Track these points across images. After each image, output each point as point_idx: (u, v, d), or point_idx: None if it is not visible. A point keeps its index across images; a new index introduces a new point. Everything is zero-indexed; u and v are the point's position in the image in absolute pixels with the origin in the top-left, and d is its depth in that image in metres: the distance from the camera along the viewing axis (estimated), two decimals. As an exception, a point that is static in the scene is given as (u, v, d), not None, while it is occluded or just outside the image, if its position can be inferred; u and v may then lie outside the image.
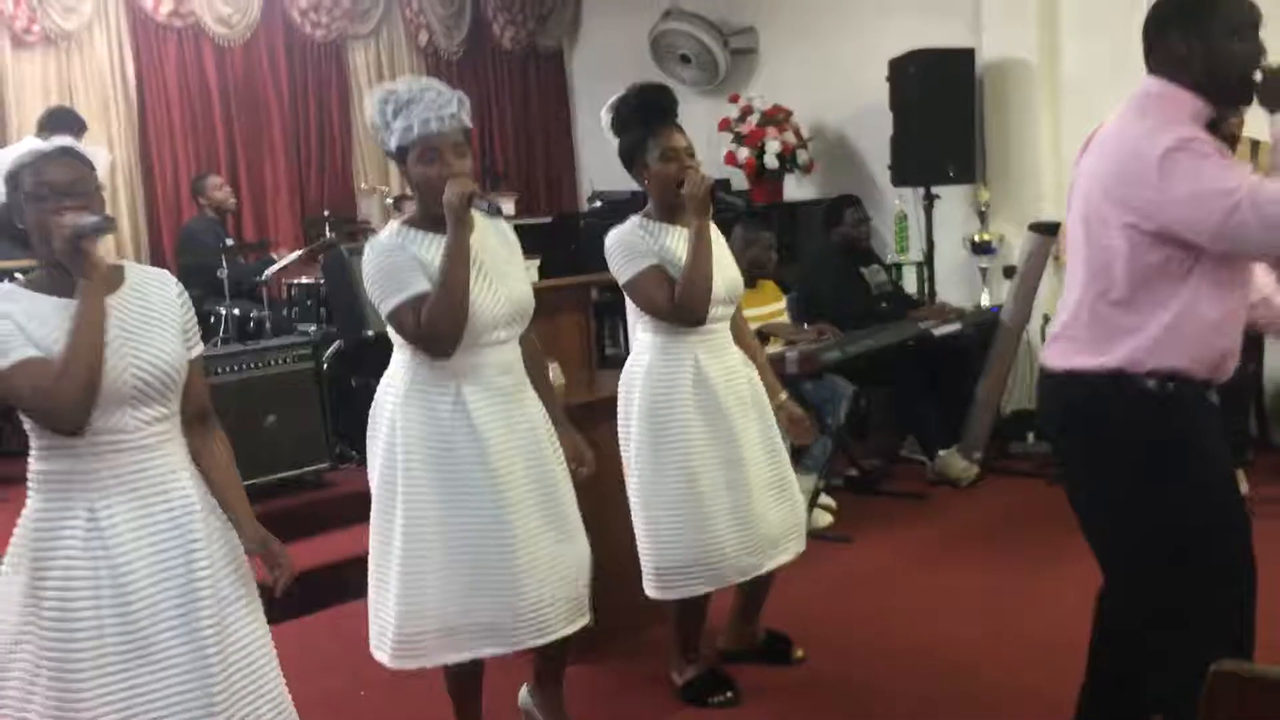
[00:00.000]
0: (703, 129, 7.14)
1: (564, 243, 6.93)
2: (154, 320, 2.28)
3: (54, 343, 2.14)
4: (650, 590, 3.32)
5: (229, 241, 6.65)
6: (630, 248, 3.23)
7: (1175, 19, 2.33)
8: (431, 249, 2.72)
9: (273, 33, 7.59)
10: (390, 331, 2.84)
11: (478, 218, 2.81)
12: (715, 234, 3.37)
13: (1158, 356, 2.31)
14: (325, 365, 5.36)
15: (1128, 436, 2.37)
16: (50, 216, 2.15)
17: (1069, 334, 2.45)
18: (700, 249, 3.17)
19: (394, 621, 2.75)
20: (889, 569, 4.54)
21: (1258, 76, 2.27)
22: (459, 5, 8.48)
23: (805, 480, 4.93)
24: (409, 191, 7.68)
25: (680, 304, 3.17)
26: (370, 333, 5.36)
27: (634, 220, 3.29)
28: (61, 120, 5.97)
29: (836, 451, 5.28)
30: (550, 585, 2.79)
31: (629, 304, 3.36)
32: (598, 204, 7.67)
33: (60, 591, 2.15)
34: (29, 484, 2.24)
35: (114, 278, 2.29)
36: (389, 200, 7.26)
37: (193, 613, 2.22)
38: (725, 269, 3.31)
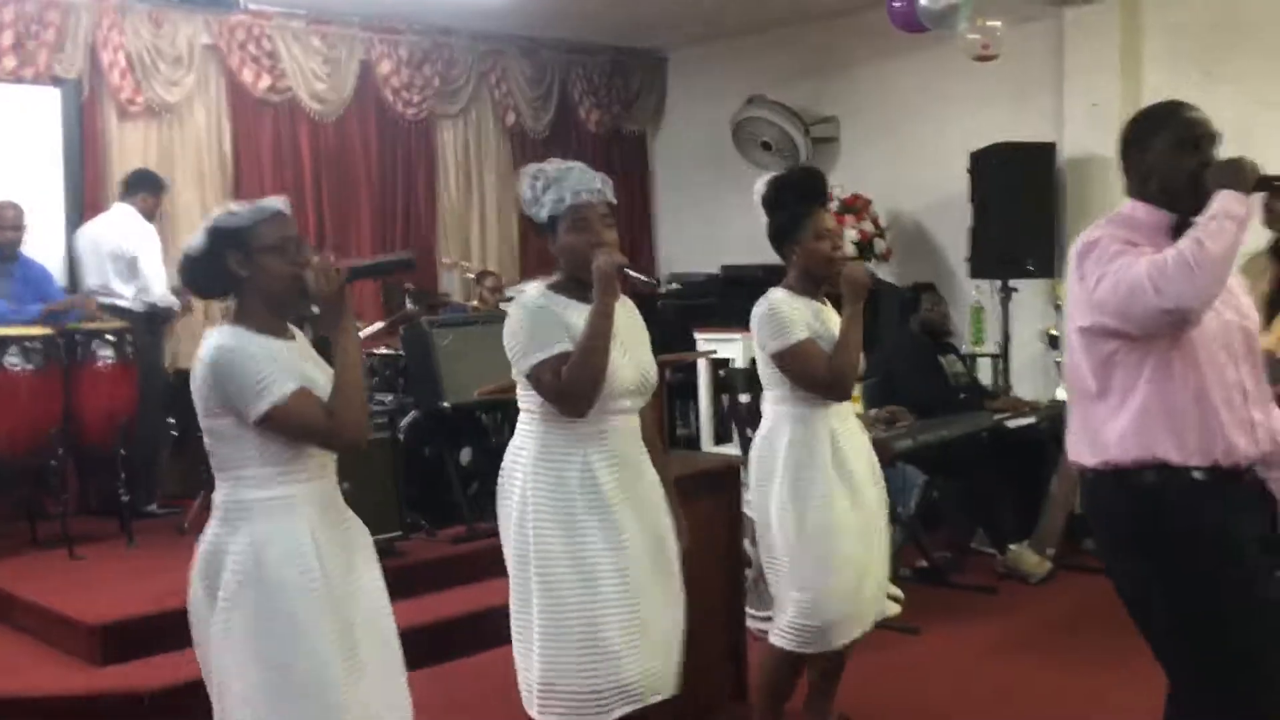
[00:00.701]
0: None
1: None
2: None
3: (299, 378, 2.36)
4: (786, 644, 3.43)
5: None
6: (786, 318, 3.38)
7: (1132, 142, 2.59)
8: (575, 314, 2.82)
9: (365, 109, 7.82)
10: (521, 397, 2.92)
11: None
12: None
13: (1139, 446, 2.41)
14: (401, 435, 5.43)
15: (1129, 531, 2.48)
16: (302, 266, 2.41)
17: (1072, 435, 2.58)
18: (853, 330, 3.38)
19: (538, 681, 2.82)
20: (956, 661, 4.47)
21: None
22: (546, 88, 8.68)
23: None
24: (490, 267, 7.84)
25: (835, 375, 3.35)
26: (446, 404, 5.43)
27: (782, 291, 3.46)
28: (144, 181, 6.20)
29: (906, 541, 5.23)
30: (668, 650, 2.88)
31: (762, 373, 3.49)
32: (674, 285, 7.75)
33: (303, 610, 2.32)
34: (230, 515, 2.37)
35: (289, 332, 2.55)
36: (470, 275, 7.39)
37: (388, 632, 2.52)
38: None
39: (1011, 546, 5.57)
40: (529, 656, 2.85)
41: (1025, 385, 6.66)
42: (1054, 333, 6.54)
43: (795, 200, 3.46)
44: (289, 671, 2.29)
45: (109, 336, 5.56)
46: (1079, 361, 2.50)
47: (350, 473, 4.90)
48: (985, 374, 6.81)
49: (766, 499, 3.43)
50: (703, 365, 6.68)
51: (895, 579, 5.12)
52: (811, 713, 3.69)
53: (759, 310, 3.42)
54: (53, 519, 5.46)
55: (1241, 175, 2.41)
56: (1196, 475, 2.39)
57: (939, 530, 5.99)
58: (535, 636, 2.81)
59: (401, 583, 4.80)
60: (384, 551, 5.00)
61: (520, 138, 8.58)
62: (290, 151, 7.51)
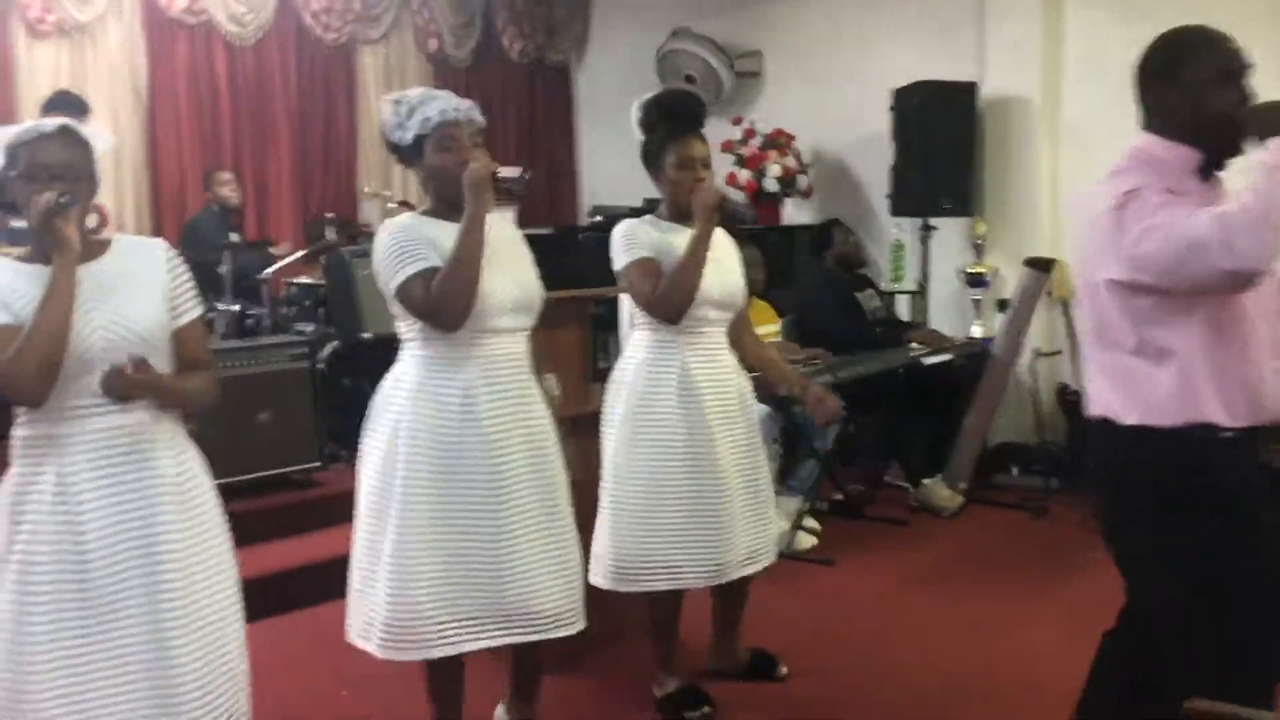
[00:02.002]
0: (705, 149, 7.21)
1: (563, 256, 6.97)
2: (131, 285, 2.33)
3: (29, 312, 2.20)
4: (603, 582, 3.34)
5: (233, 238, 6.69)
6: (631, 237, 3.29)
7: (1158, 72, 2.38)
8: (445, 233, 2.76)
9: (284, 33, 7.63)
10: (400, 327, 2.87)
11: (493, 216, 2.86)
12: (728, 243, 3.45)
13: (1187, 408, 2.28)
14: (320, 365, 5.39)
15: (1164, 492, 2.34)
16: (33, 195, 2.22)
17: (1096, 384, 2.43)
18: (695, 253, 3.19)
19: (384, 612, 2.77)
20: (869, 593, 4.58)
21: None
22: (470, 15, 8.54)
23: (790, 502, 4.99)
24: (410, 198, 7.75)
25: (660, 296, 3.20)
26: (367, 335, 5.40)
27: (647, 216, 3.37)
28: (64, 103, 6.01)
29: (822, 475, 5.33)
30: (543, 584, 2.82)
31: (624, 303, 3.39)
32: (598, 218, 7.72)
33: (24, 552, 2.22)
34: (11, 450, 2.30)
35: (96, 248, 2.35)
36: (391, 204, 7.30)
37: (157, 583, 2.27)
38: (726, 276, 3.36)
39: (925, 481, 5.70)
40: (373, 589, 2.81)
41: (943, 322, 6.76)
42: (971, 270, 6.65)
43: (662, 124, 3.34)
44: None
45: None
46: (1110, 314, 2.33)
47: (268, 403, 4.94)
48: (904, 311, 6.90)
49: (609, 424, 3.36)
50: (625, 299, 6.67)
51: (811, 512, 5.25)
52: (717, 653, 3.73)
53: (613, 231, 3.34)
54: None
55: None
56: (1231, 434, 2.28)
57: (854, 464, 6.11)
58: (385, 567, 2.76)
59: (319, 513, 4.85)
60: (300, 482, 5.07)
61: (443, 65, 8.45)
62: (206, 75, 7.31)
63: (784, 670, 3.70)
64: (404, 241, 2.76)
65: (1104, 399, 2.41)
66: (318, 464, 5.15)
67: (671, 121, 3.33)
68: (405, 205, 7.29)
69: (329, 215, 7.03)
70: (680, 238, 3.27)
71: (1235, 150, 2.32)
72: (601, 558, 3.34)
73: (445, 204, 2.82)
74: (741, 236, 3.64)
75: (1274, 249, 2.10)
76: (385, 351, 6.13)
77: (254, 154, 7.55)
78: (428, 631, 2.76)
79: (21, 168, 2.25)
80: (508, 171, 2.79)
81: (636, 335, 3.40)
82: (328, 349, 5.59)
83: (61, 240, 2.20)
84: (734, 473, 3.34)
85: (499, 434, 2.79)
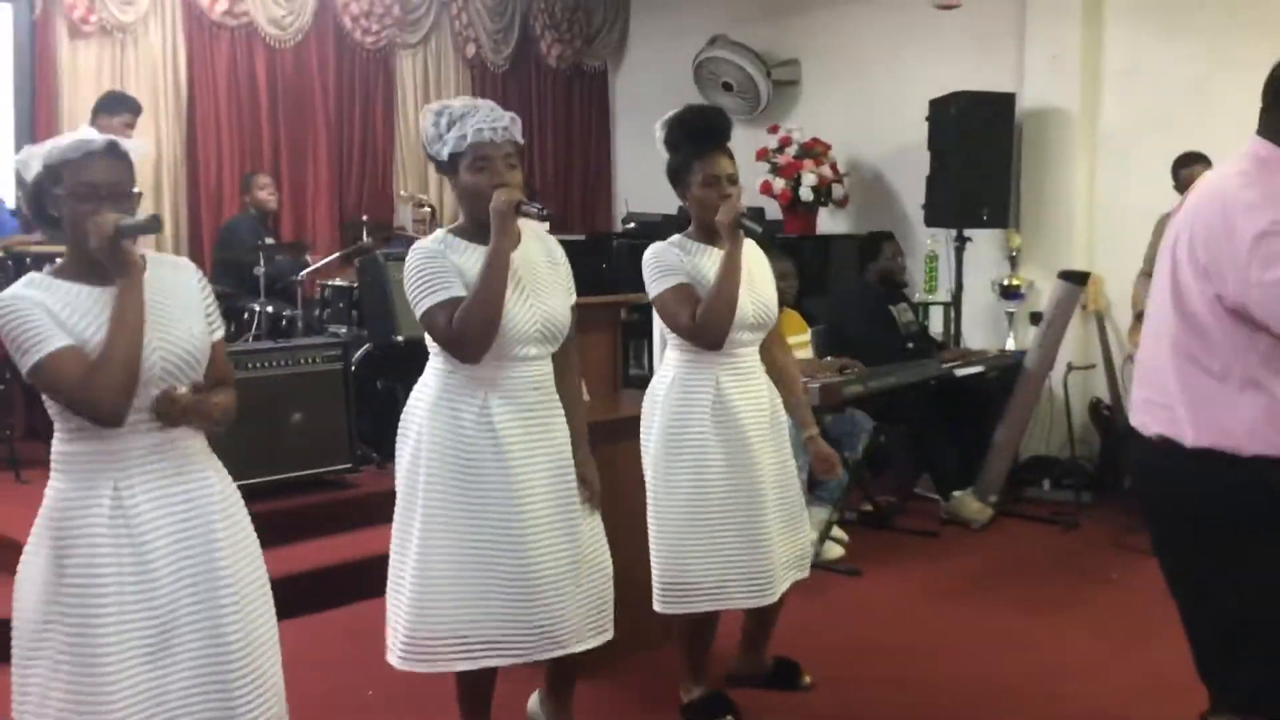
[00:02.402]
0: (740, 157, 7.12)
1: (595, 262, 7.00)
2: (175, 304, 2.35)
3: (90, 332, 2.20)
4: (656, 605, 3.36)
5: (269, 240, 6.75)
6: (663, 263, 3.27)
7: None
8: (473, 258, 2.78)
9: (323, 37, 7.71)
10: (428, 338, 2.89)
11: (526, 232, 2.91)
12: (759, 257, 3.43)
13: (1252, 442, 2.20)
14: (354, 367, 5.43)
15: (1211, 517, 2.28)
16: (89, 216, 2.20)
17: (1160, 400, 2.35)
18: (727, 274, 3.19)
19: (405, 625, 2.81)
20: (896, 604, 4.56)
21: None
22: (508, 20, 8.59)
23: (820, 512, 4.97)
24: (447, 204, 7.78)
25: (700, 324, 3.20)
26: (400, 338, 5.43)
27: (674, 238, 3.35)
28: (119, 103, 6.09)
29: (852, 485, 5.31)
30: (568, 600, 2.84)
31: (657, 321, 3.41)
32: (631, 225, 7.74)
33: (84, 571, 2.20)
34: (53, 466, 2.29)
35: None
36: (425, 209, 7.35)
37: (215, 593, 2.28)
38: (759, 294, 3.34)
39: (955, 493, 5.67)
40: (398, 601, 2.84)
41: (976, 334, 6.74)
42: (1006, 282, 6.62)
43: (686, 143, 3.30)
44: (64, 639, 2.19)
45: (58, 261, 5.47)
46: (1205, 329, 2.23)
47: (300, 404, 4.97)
48: (937, 322, 6.88)
49: (646, 446, 3.36)
50: (657, 318, 6.67)
51: (840, 522, 5.23)
52: (743, 661, 3.73)
53: (644, 256, 3.32)
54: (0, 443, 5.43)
55: None
56: None
57: (885, 475, 6.08)
58: (408, 581, 2.80)
59: (350, 515, 4.88)
60: (333, 483, 5.10)
61: (480, 70, 8.50)
62: (246, 78, 7.39)
63: (808, 680, 3.69)
64: (431, 269, 2.77)
65: (1167, 416, 2.32)
66: (349, 465, 5.18)
67: (696, 139, 3.30)
68: (419, 207, 7.32)
69: (364, 218, 7.09)
70: (709, 259, 3.27)
71: None
72: (655, 582, 3.35)
73: (476, 223, 2.83)
74: (770, 248, 3.63)
75: None
76: (418, 354, 6.18)
77: (292, 156, 7.62)
78: (447, 650, 2.79)
79: (68, 185, 2.23)
80: (531, 206, 2.79)
81: (669, 355, 3.39)
82: (361, 351, 5.63)
83: (128, 262, 2.21)
84: (770, 492, 3.34)
85: (519, 453, 2.80)
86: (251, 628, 2.34)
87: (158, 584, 2.23)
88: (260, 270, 6.19)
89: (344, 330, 6.01)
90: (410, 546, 2.82)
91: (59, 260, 2.35)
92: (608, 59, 9.19)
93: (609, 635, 2.97)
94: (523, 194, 2.79)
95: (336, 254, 6.53)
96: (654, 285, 3.28)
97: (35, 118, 6.50)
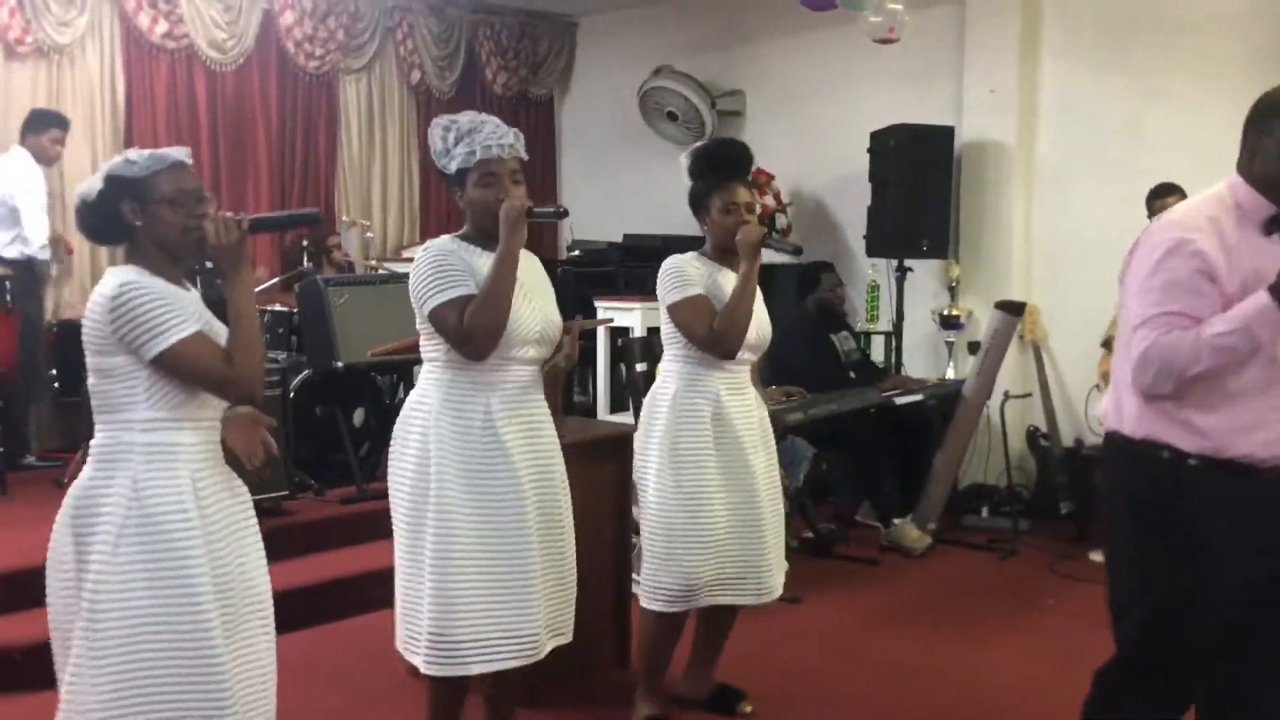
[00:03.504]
0: (685, 186, 7.24)
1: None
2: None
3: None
4: (655, 605, 3.46)
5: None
6: (684, 274, 3.45)
7: (1252, 119, 2.44)
8: (482, 261, 2.85)
9: (265, 61, 7.65)
10: (424, 347, 2.93)
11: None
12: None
13: (1145, 426, 2.40)
14: (292, 394, 5.37)
15: (1135, 502, 2.46)
16: (199, 219, 2.41)
17: (1113, 398, 2.53)
18: (746, 289, 3.39)
19: (429, 630, 2.83)
20: (836, 631, 4.58)
21: None
22: (453, 47, 8.58)
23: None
24: (389, 226, 7.72)
25: (717, 333, 3.37)
26: (339, 364, 5.38)
27: (693, 253, 3.53)
28: (45, 119, 6.01)
29: (793, 513, 5.32)
30: (548, 604, 2.92)
31: (662, 330, 3.55)
32: (576, 253, 7.74)
33: (179, 555, 2.29)
34: (109, 458, 2.33)
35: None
36: (369, 235, 7.31)
37: (257, 591, 2.47)
38: (759, 319, 3.53)
39: (895, 520, 5.70)
40: (418, 607, 2.86)
41: (916, 363, 6.81)
42: (945, 312, 6.70)
43: (708, 171, 3.53)
44: (171, 624, 2.26)
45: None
46: (1125, 327, 2.48)
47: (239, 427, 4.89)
48: (878, 351, 6.93)
49: (646, 452, 3.49)
50: (601, 334, 6.70)
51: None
52: (689, 681, 3.76)
53: (663, 267, 3.49)
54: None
55: None
56: (1197, 462, 2.36)
57: (826, 503, 6.12)
58: (427, 587, 2.82)
59: (286, 543, 4.80)
60: (270, 510, 5.03)
61: (425, 97, 8.48)
62: (186, 101, 7.31)
63: (748, 708, 3.70)
64: (443, 266, 2.84)
65: (1116, 411, 2.50)
66: (286, 493, 5.11)
67: (717, 169, 3.52)
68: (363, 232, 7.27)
69: (305, 243, 7.02)
70: (724, 277, 3.48)
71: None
72: (656, 585, 3.45)
73: (483, 234, 2.90)
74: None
75: (1169, 389, 2.32)
76: (357, 381, 6.11)
77: (232, 181, 7.54)
78: (470, 651, 2.82)
79: (167, 195, 2.39)
80: (544, 209, 2.92)
81: (669, 367, 3.53)
82: (300, 377, 5.56)
83: (247, 258, 2.44)
84: (764, 494, 3.50)
85: (519, 455, 2.87)
86: (268, 620, 2.51)
87: (229, 570, 2.37)
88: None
89: (283, 356, 5.94)
90: (424, 554, 2.83)
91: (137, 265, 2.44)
92: (553, 87, 9.20)
93: (569, 638, 3.03)
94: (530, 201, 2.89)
95: (276, 279, 6.46)
96: (673, 294, 3.44)
97: (-32, 138, 6.38)
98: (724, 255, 3.51)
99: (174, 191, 2.39)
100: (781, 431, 5.05)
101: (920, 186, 6.49)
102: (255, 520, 2.52)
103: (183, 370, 2.31)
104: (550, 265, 7.75)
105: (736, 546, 3.44)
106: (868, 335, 6.96)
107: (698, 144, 3.67)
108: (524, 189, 2.91)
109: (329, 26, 7.84)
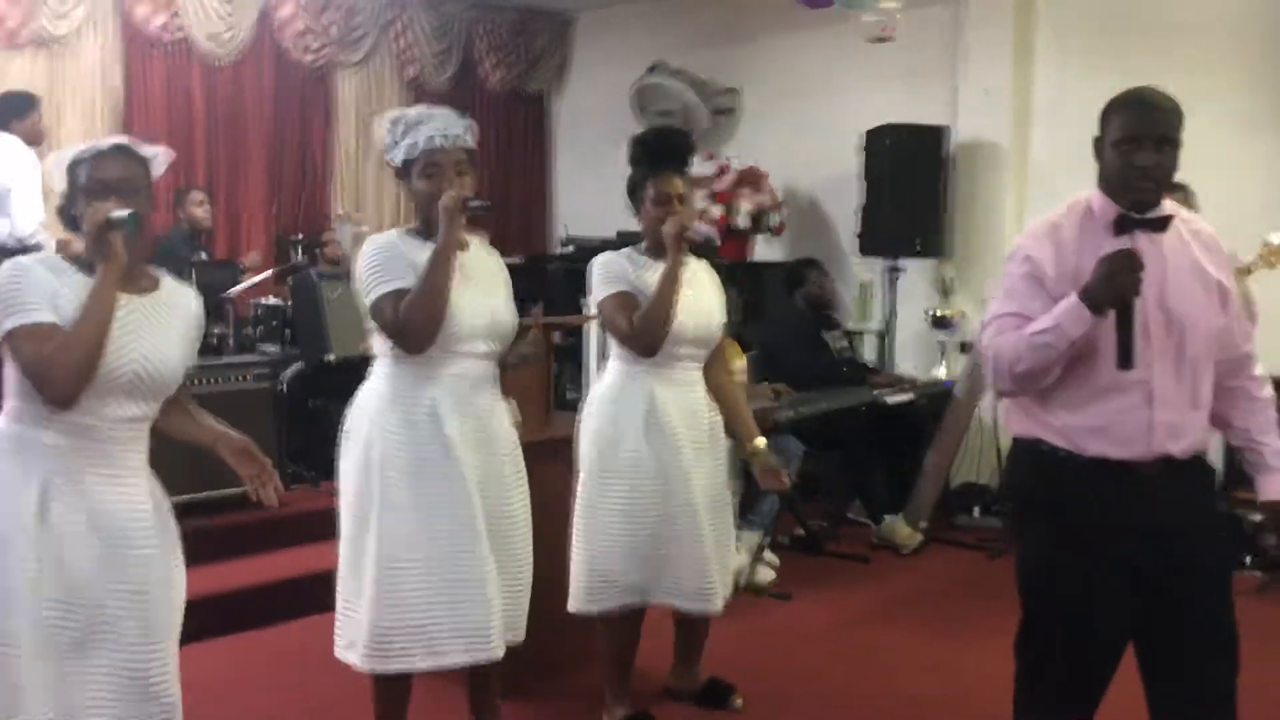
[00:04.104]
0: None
1: (532, 284, 6.99)
2: (170, 328, 2.40)
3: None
4: (572, 604, 3.40)
5: (203, 256, 6.67)
6: (609, 271, 3.38)
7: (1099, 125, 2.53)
8: (425, 254, 2.81)
9: (262, 54, 7.66)
10: (372, 340, 2.93)
11: (475, 243, 2.99)
12: (708, 279, 3.53)
13: (1019, 420, 2.55)
14: (285, 386, 5.38)
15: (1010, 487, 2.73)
16: (90, 207, 2.28)
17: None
18: (666, 286, 3.26)
19: (368, 625, 2.81)
20: (827, 628, 4.60)
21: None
22: (450, 42, 8.59)
23: (750, 536, 5.00)
24: (383, 221, 7.74)
25: (636, 329, 3.28)
26: (332, 357, 5.39)
27: (625, 250, 3.45)
28: (25, 102, 5.97)
29: (783, 510, 5.35)
30: (493, 600, 2.86)
31: (593, 335, 3.46)
32: (569, 248, 7.75)
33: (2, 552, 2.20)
34: None
35: (146, 281, 2.42)
36: (362, 228, 7.30)
37: (122, 610, 2.28)
38: (703, 313, 3.42)
39: (886, 518, 5.73)
40: (356, 605, 2.85)
41: (908, 363, 6.83)
42: (938, 312, 6.72)
43: (644, 160, 3.45)
44: None
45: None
46: None
47: (230, 421, 4.88)
48: (869, 351, 6.96)
49: (580, 449, 3.44)
50: (593, 330, 6.70)
51: (772, 546, 5.27)
52: (676, 678, 3.77)
53: (591, 264, 3.43)
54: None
55: (1105, 291, 2.31)
56: (1065, 455, 2.47)
57: (816, 500, 6.14)
58: (368, 581, 2.81)
59: (279, 533, 4.82)
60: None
61: (420, 91, 8.47)
62: (182, 93, 7.32)
63: (739, 702, 3.71)
64: (383, 260, 2.83)
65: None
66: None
67: (653, 158, 3.42)
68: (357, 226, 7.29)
69: (299, 236, 7.03)
70: (656, 274, 3.33)
71: (1140, 207, 2.44)
72: (573, 581, 3.39)
73: (429, 225, 2.88)
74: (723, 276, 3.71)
75: (1003, 389, 2.49)
76: (350, 374, 6.09)
77: (227, 173, 7.55)
78: (412, 646, 2.80)
79: (82, 183, 2.32)
80: (478, 203, 2.86)
81: (610, 364, 3.47)
82: (292, 370, 5.57)
83: (111, 253, 2.25)
84: (704, 503, 3.38)
85: (463, 451, 2.84)
86: (152, 636, 2.33)
87: (76, 589, 2.24)
88: (193, 286, 6.10)
89: (276, 349, 5.95)
90: (367, 547, 2.83)
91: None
92: (548, 83, 9.21)
93: (521, 638, 2.99)
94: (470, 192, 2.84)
95: (270, 271, 6.47)
96: (598, 291, 3.38)
97: (-37, 128, 6.37)
98: (659, 250, 3.38)
99: (87, 180, 2.33)
100: (771, 428, 5.07)
101: (913, 186, 6.51)
102: (155, 528, 2.38)
103: (15, 357, 2.22)
104: (542, 260, 7.80)
105: (667, 549, 3.34)
106: (859, 335, 6.98)
107: (637, 132, 3.58)
108: (470, 180, 2.88)
109: (325, 21, 7.84)
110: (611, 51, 8.70)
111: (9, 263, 2.26)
